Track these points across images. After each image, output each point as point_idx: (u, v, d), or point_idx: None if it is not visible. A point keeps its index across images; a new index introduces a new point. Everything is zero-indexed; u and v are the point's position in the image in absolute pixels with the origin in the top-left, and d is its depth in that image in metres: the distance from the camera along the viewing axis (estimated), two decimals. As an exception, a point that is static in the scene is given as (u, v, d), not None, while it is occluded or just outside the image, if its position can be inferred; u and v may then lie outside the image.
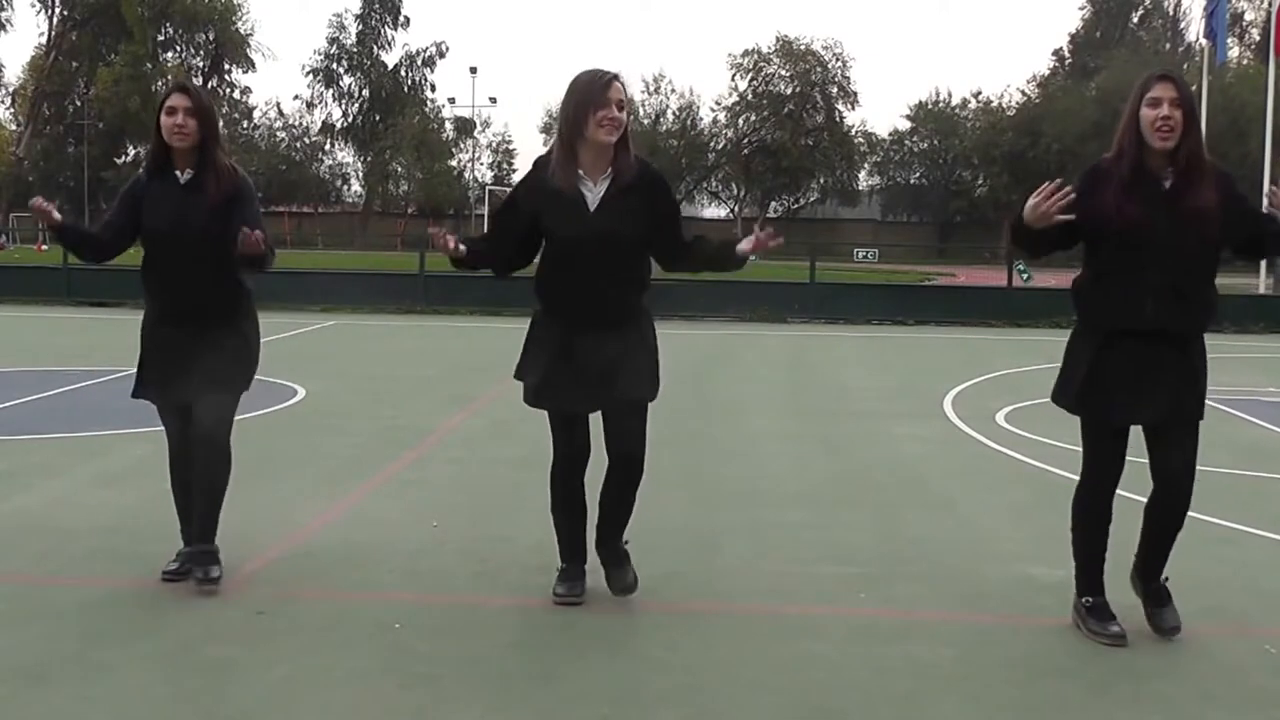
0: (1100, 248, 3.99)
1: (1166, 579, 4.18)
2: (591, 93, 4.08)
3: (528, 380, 4.36)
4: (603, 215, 4.15)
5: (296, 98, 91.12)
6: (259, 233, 4.26)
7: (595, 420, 4.40)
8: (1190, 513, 5.47)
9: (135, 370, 4.66)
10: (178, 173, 4.45)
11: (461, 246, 4.16)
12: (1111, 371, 3.99)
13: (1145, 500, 4.17)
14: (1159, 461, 4.06)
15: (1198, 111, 3.95)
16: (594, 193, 4.17)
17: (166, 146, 4.43)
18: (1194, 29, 64.08)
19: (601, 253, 4.12)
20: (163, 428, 4.76)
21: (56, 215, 4.44)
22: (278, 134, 74.84)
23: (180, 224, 4.41)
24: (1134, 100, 3.90)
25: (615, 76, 4.14)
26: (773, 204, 70.54)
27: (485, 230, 4.54)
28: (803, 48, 67.83)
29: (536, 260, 4.38)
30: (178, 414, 4.62)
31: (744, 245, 4.15)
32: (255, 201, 4.58)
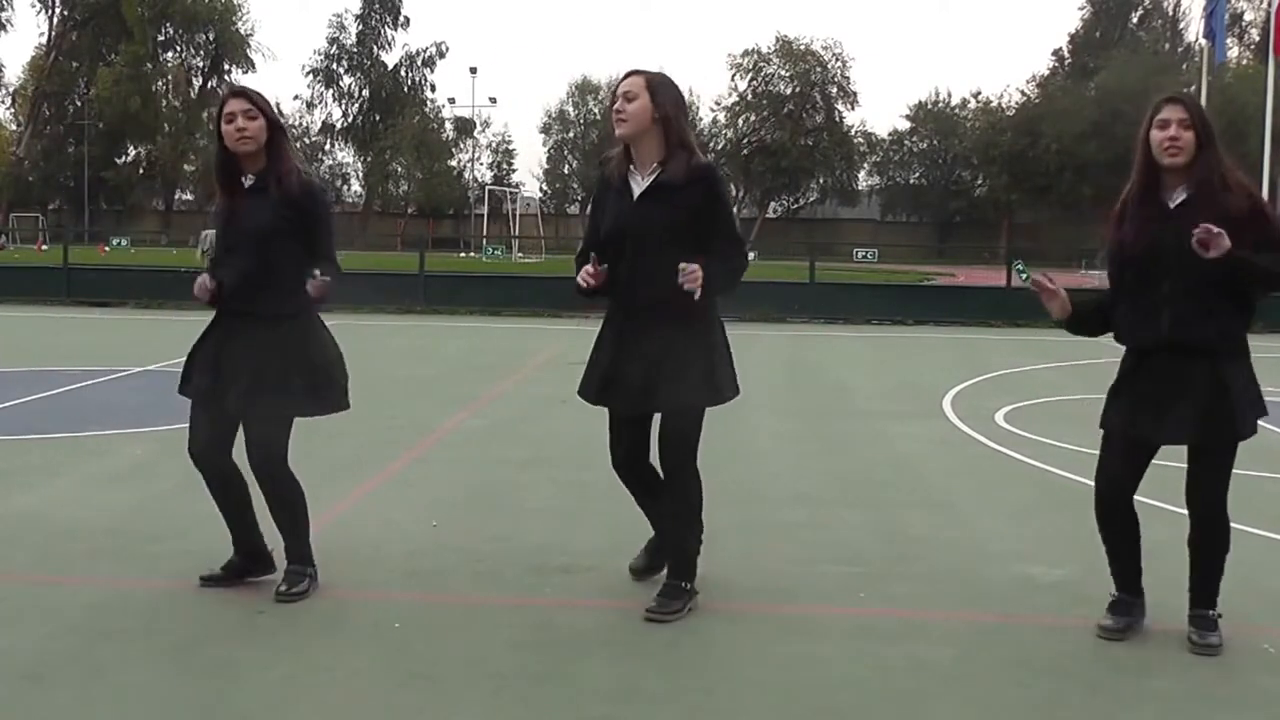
0: (1124, 271, 4.04)
1: (1218, 614, 4.09)
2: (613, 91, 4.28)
3: (586, 373, 4.39)
4: (641, 205, 4.20)
5: (296, 98, 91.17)
6: (322, 279, 4.15)
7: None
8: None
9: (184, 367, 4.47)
10: (244, 179, 4.34)
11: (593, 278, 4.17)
12: (1131, 387, 4.02)
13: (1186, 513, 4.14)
14: (1188, 485, 4.06)
15: (1213, 133, 3.93)
16: (640, 185, 4.23)
17: (230, 155, 4.31)
18: (1193, 29, 64.06)
19: (637, 243, 4.15)
20: (191, 427, 4.49)
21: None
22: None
23: (235, 225, 4.32)
24: (1145, 125, 3.97)
25: (630, 72, 4.24)
26: (772, 204, 70.55)
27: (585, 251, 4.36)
28: (802, 48, 67.88)
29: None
30: (201, 416, 4.41)
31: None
32: (323, 211, 4.39)
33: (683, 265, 3.99)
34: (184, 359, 4.48)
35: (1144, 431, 4.02)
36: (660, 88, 4.19)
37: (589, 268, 4.14)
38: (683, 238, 4.14)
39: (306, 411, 4.43)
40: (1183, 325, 3.90)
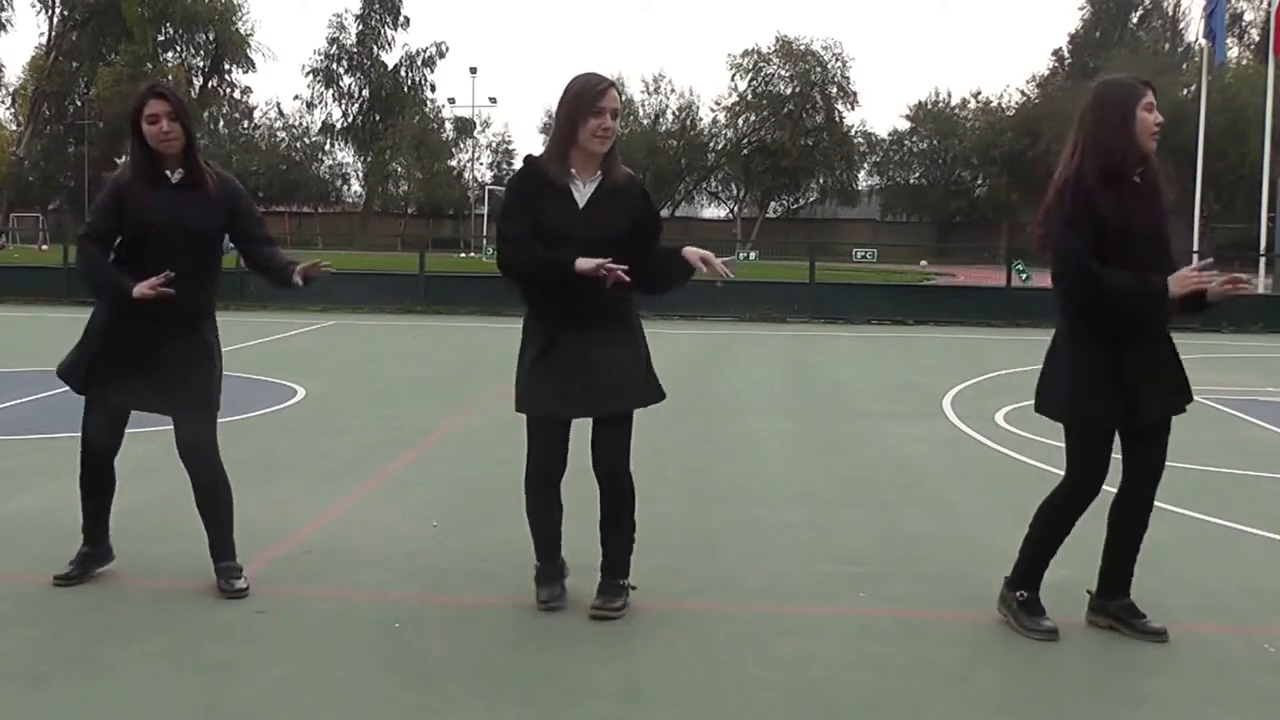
0: (1121, 252, 3.95)
1: None
2: (586, 100, 4.10)
3: (516, 385, 4.32)
4: (590, 211, 4.17)
5: (296, 98, 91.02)
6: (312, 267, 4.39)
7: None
8: (1189, 511, 5.48)
9: (82, 364, 4.45)
10: (167, 173, 4.36)
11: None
12: (1120, 375, 3.97)
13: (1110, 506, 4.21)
14: (1143, 458, 4.09)
15: None
16: (582, 192, 4.20)
17: (150, 151, 4.34)
18: (1193, 29, 63.98)
19: (588, 248, 4.08)
20: (92, 427, 4.51)
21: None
22: (278, 134, 74.85)
23: (177, 222, 4.33)
24: (1124, 107, 3.97)
25: (611, 84, 4.16)
26: (772, 204, 70.52)
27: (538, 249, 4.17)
28: (802, 48, 67.77)
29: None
30: (114, 416, 4.50)
31: (691, 254, 4.18)
32: (253, 203, 4.64)
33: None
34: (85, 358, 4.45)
35: (1150, 415, 3.99)
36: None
37: (606, 263, 4.03)
38: (625, 241, 4.16)
39: (218, 400, 4.56)
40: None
